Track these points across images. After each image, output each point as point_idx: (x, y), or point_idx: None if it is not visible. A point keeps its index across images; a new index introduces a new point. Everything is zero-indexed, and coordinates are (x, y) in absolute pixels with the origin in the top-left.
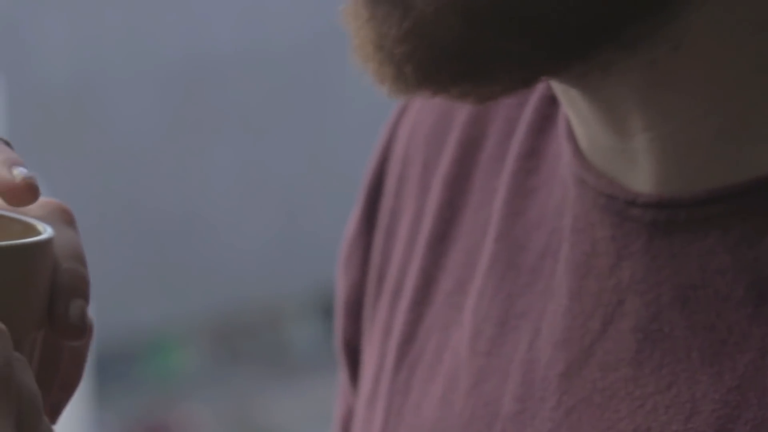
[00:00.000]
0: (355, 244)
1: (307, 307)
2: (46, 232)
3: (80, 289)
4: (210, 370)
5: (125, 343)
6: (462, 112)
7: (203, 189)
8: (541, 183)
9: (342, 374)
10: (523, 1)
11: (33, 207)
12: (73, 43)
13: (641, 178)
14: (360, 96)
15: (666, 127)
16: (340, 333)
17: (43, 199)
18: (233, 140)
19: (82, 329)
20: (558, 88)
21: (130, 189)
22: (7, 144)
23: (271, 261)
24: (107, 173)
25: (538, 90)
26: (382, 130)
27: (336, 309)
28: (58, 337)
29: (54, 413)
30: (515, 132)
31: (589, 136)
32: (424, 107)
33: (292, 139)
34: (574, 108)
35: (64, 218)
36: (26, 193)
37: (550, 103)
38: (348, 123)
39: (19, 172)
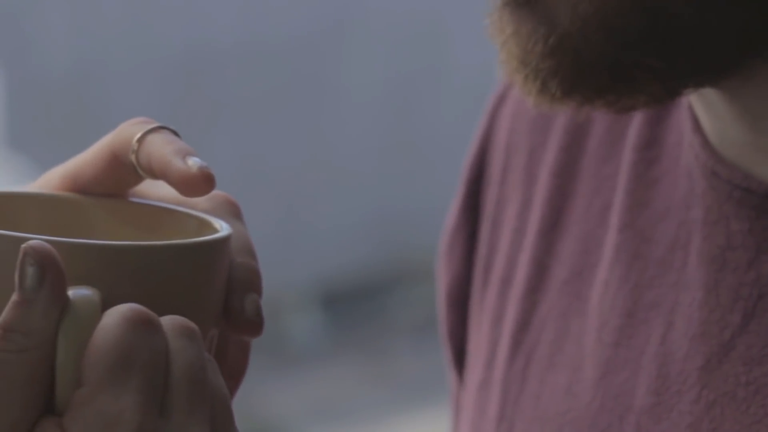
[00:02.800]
0: (456, 235)
1: (307, 298)
2: (223, 228)
3: (254, 283)
4: None
5: None
6: None
7: None
8: (663, 173)
9: (447, 362)
10: (666, 22)
11: (201, 200)
12: (73, 34)
13: None
14: (359, 89)
15: None
16: (443, 323)
17: (211, 192)
18: (233, 132)
19: (259, 324)
20: None
21: None
22: (175, 134)
23: (270, 252)
24: None
25: None
26: (482, 118)
27: (438, 299)
28: (234, 332)
29: None
30: (627, 119)
31: (721, 130)
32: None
33: (291, 131)
34: (705, 103)
35: (233, 211)
36: (202, 183)
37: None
38: (347, 116)
39: (194, 162)
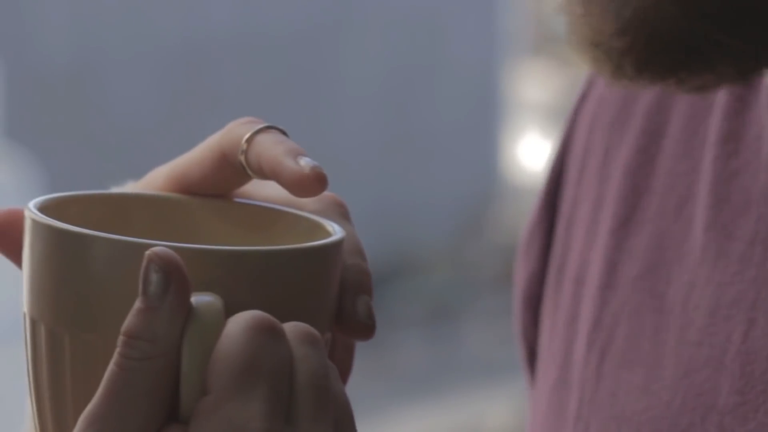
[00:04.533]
0: (534, 234)
1: None
2: (335, 230)
3: (365, 285)
4: None
5: None
6: (643, 101)
7: None
8: (742, 166)
9: (521, 361)
10: None
11: (309, 200)
12: (72, 26)
13: None
14: (358, 83)
15: None
16: (518, 322)
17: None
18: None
19: (371, 326)
20: None
21: (129, 171)
22: (283, 133)
23: None
24: (106, 155)
25: None
26: (566, 116)
27: (515, 296)
28: (345, 334)
29: None
30: (706, 116)
31: None
32: (605, 98)
33: (289, 124)
34: None
35: (341, 212)
36: (315, 183)
37: (747, 85)
38: (346, 109)
39: (306, 162)
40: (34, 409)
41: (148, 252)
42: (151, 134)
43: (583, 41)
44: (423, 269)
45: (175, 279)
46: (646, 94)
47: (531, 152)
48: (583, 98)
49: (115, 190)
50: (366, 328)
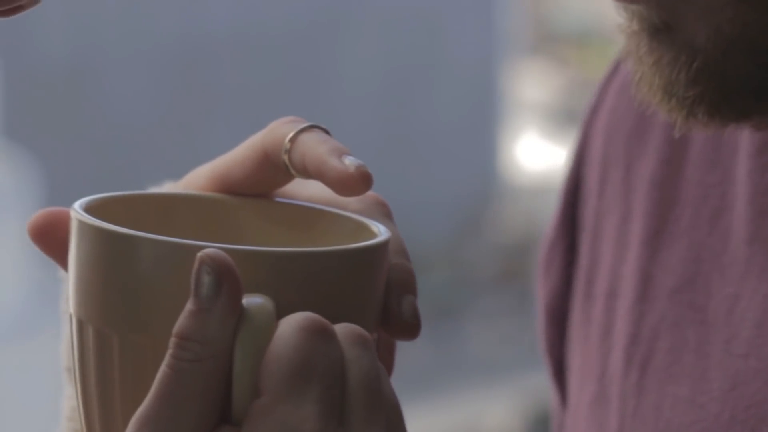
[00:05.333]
0: (554, 248)
1: None
2: (381, 231)
3: (410, 284)
4: None
5: None
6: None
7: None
8: None
9: (549, 376)
10: None
11: (351, 199)
12: (70, 25)
13: None
14: (356, 81)
15: None
16: (542, 338)
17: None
18: (229, 121)
19: (416, 326)
20: None
21: (127, 169)
22: (326, 132)
23: None
24: (104, 153)
25: None
26: (577, 130)
27: (538, 313)
28: (390, 334)
29: None
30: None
31: None
32: (619, 109)
33: None
34: None
35: (384, 211)
36: (360, 183)
37: None
38: (343, 108)
39: (351, 162)
40: (81, 410)
41: (200, 254)
42: (149, 133)
43: (655, 90)
44: (421, 269)
45: (227, 281)
46: None
47: (529, 152)
48: (594, 109)
49: (156, 190)
50: (411, 328)
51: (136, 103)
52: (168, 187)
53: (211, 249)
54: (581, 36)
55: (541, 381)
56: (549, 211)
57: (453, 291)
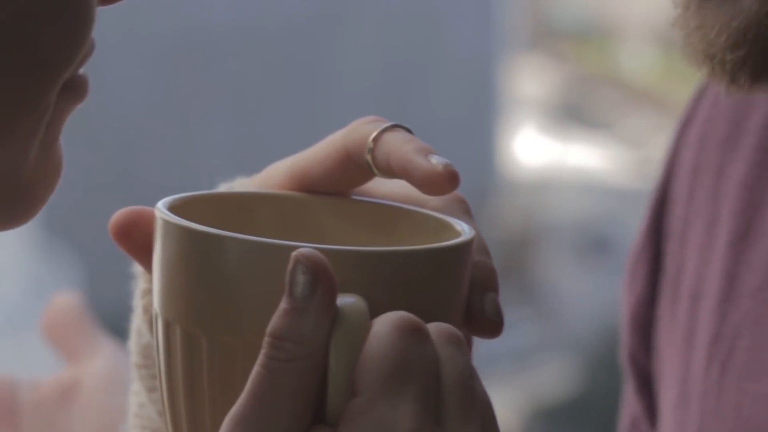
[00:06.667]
0: (641, 256)
1: None
2: (464, 229)
3: (492, 282)
4: None
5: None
6: (756, 118)
7: (196, 162)
8: None
9: (628, 384)
10: None
11: (431, 198)
12: None
13: None
14: (354, 76)
15: None
16: (626, 345)
17: None
18: (226, 115)
19: (499, 323)
20: None
21: (123, 162)
22: (409, 131)
23: None
24: (100, 146)
25: None
26: (669, 142)
27: (622, 322)
28: (473, 332)
29: None
30: None
31: None
32: (713, 118)
33: (284, 114)
34: None
35: (464, 209)
36: (448, 181)
37: None
38: (342, 102)
39: (438, 161)
40: (167, 409)
41: (294, 253)
42: (145, 125)
43: (698, 54)
44: None
45: (322, 281)
46: (758, 111)
47: (528, 147)
48: (687, 121)
49: (229, 187)
50: (494, 325)
51: (133, 96)
52: (243, 184)
53: (305, 248)
54: (579, 32)
55: (540, 376)
56: (547, 206)
57: None
